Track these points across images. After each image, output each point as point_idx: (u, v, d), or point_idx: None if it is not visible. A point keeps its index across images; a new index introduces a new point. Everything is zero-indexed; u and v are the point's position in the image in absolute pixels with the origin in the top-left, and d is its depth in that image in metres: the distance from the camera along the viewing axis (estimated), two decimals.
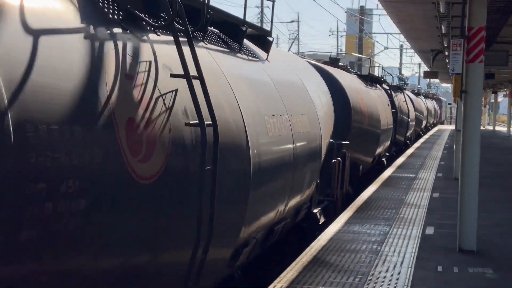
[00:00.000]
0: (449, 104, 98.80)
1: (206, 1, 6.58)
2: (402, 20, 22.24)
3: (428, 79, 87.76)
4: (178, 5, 5.69)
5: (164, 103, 5.50)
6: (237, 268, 7.90)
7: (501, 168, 24.75)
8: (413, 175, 21.35)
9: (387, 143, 24.40)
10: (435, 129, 61.65)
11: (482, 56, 10.86)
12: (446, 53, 25.15)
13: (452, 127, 57.98)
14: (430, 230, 12.33)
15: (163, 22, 5.93)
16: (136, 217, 5.00)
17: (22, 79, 3.90)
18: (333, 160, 13.51)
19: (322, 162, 11.54)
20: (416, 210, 14.58)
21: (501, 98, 79.64)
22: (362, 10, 58.81)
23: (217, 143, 5.99)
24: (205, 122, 5.78)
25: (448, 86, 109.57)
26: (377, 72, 36.06)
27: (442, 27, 19.10)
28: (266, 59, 9.68)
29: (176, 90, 5.75)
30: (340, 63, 20.69)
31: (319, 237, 11.39)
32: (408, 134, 34.35)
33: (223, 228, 6.60)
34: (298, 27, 69.62)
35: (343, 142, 14.30)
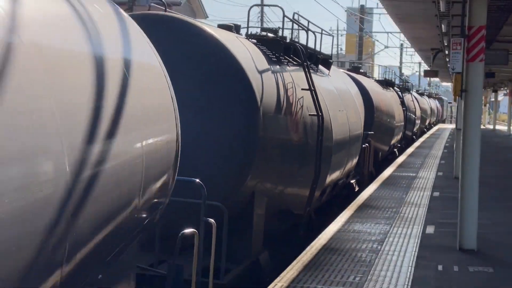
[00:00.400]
0: (449, 103, 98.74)
1: (318, 50, 13.65)
2: (402, 19, 22.22)
3: (428, 78, 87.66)
4: (304, 54, 11.56)
5: (299, 103, 10.75)
6: (313, 210, 12.72)
7: (501, 167, 24.76)
8: (414, 174, 21.35)
9: (399, 136, 29.07)
10: (436, 127, 61.64)
11: (482, 55, 10.86)
12: (446, 52, 25.13)
13: (453, 126, 57.95)
14: (430, 229, 12.34)
15: (294, 61, 11.60)
16: (298, 163, 10.78)
17: (261, 96, 9.09)
18: (363, 145, 17.84)
19: (360, 145, 16.72)
20: (416, 209, 14.59)
21: (502, 97, 79.55)
22: (362, 9, 58.73)
23: (323, 126, 11.30)
24: (319, 114, 11.22)
25: (448, 85, 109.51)
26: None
27: (442, 26, 19.07)
28: (328, 74, 14.73)
29: (303, 97, 11.01)
30: (360, 70, 25.61)
31: (320, 236, 11.40)
32: (414, 129, 39.38)
33: (321, 175, 11.60)
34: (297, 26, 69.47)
35: (369, 133, 19.01)
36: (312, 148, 11.13)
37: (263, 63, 9.82)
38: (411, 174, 21.29)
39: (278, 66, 10.53)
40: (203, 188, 7.29)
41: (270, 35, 11.18)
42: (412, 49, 52.45)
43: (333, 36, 15.22)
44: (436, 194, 17.06)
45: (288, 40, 11.57)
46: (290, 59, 11.44)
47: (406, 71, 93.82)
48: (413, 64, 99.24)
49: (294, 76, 11.03)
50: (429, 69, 39.17)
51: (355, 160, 15.88)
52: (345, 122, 14.10)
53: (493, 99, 66.57)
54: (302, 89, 10.90)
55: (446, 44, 23.24)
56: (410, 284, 8.63)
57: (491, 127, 62.89)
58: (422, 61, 55.79)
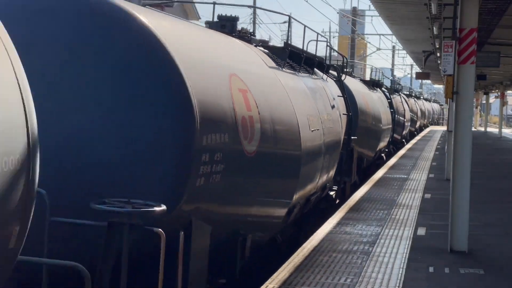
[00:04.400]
0: (441, 105, 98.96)
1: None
2: (394, 21, 22.28)
3: (420, 80, 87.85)
4: (384, 87, 32.82)
5: (374, 106, 24.77)
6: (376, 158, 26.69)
7: (492, 169, 24.82)
8: (405, 176, 21.39)
9: (407, 129, 41.04)
10: (428, 129, 61.78)
11: (473, 57, 10.88)
12: (438, 54, 25.20)
13: (444, 128, 58.04)
14: (421, 231, 12.36)
15: (374, 87, 28.56)
16: (369, 136, 22.84)
17: (359, 104, 20.88)
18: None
19: (389, 132, 29.45)
20: (408, 210, 14.61)
21: (493, 99, 79.77)
22: (355, 11, 58.78)
23: (395, 117, 30.98)
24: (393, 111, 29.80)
25: (441, 87, 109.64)
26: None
27: (434, 28, 19.12)
28: (378, 91, 27.38)
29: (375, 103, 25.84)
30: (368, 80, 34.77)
31: (311, 237, 11.40)
32: (416, 126, 52.11)
33: (378, 144, 25.42)
34: (291, 27, 69.52)
35: (390, 126, 29.87)
36: (374, 130, 22.65)
37: (364, 89, 22.49)
38: (403, 176, 21.33)
39: (367, 91, 23.06)
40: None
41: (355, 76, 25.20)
42: (404, 51, 52.56)
43: (380, 70, 26.91)
44: (428, 196, 17.09)
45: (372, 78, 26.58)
46: (372, 87, 25.28)
47: (398, 73, 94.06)
48: (405, 66, 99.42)
49: (373, 94, 24.09)
50: (421, 71, 39.21)
51: (388, 140, 28.18)
52: (386, 117, 26.31)
53: (484, 101, 66.76)
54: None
55: (437, 46, 23.29)
56: (401, 285, 8.64)
57: (482, 129, 63.03)
58: (414, 63, 55.89)
